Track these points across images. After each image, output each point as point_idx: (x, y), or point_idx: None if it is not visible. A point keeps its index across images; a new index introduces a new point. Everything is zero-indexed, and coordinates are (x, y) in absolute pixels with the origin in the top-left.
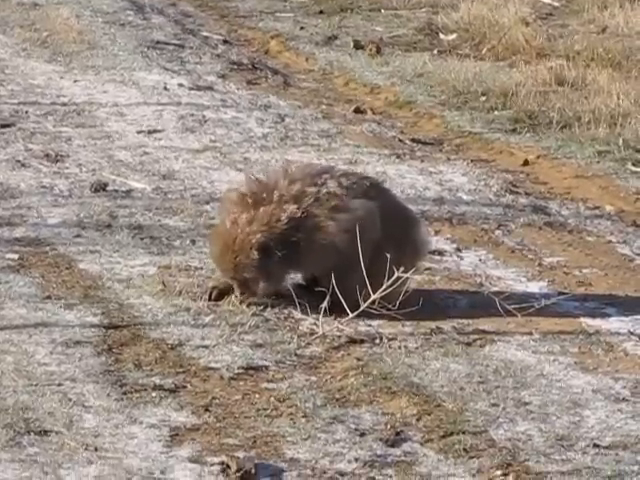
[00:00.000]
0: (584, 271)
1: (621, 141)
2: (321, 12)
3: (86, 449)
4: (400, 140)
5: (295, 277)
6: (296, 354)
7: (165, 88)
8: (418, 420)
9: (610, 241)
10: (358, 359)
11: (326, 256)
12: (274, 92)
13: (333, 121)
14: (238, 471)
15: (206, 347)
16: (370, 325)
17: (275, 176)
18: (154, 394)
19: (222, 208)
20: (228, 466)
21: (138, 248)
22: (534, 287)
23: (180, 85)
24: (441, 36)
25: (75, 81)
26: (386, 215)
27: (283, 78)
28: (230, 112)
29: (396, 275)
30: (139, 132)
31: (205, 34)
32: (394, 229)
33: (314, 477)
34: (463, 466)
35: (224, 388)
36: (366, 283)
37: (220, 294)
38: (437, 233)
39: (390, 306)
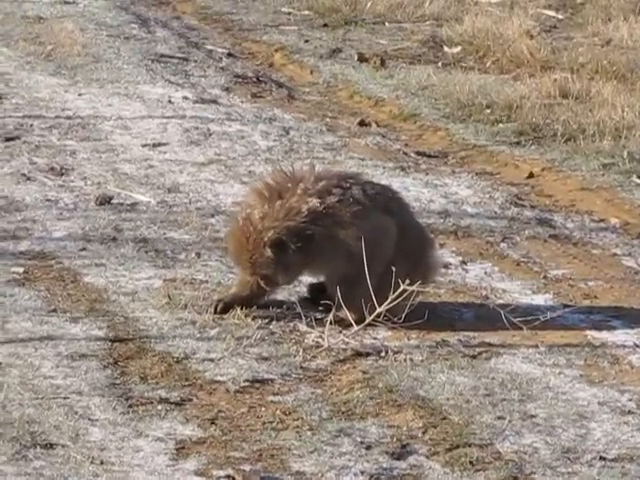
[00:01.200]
0: (589, 284)
1: (626, 153)
2: (325, 25)
3: (92, 462)
4: (405, 153)
5: (300, 290)
6: (302, 367)
7: (169, 101)
8: (424, 433)
9: (615, 254)
10: (364, 372)
11: (338, 257)
12: (279, 105)
13: (338, 134)
14: None
15: (212, 360)
16: (376, 338)
17: (302, 171)
18: (160, 407)
19: (242, 200)
20: (234, 479)
21: (143, 261)
22: (539, 300)
23: (185, 98)
24: (445, 49)
25: (80, 94)
26: (402, 232)
27: (287, 91)
28: (235, 125)
29: (402, 288)
30: (144, 145)
31: (209, 47)
32: (408, 247)
33: None
34: (469, 479)
35: (230, 401)
36: (372, 296)
37: (225, 307)
38: (442, 246)
39: (396, 319)
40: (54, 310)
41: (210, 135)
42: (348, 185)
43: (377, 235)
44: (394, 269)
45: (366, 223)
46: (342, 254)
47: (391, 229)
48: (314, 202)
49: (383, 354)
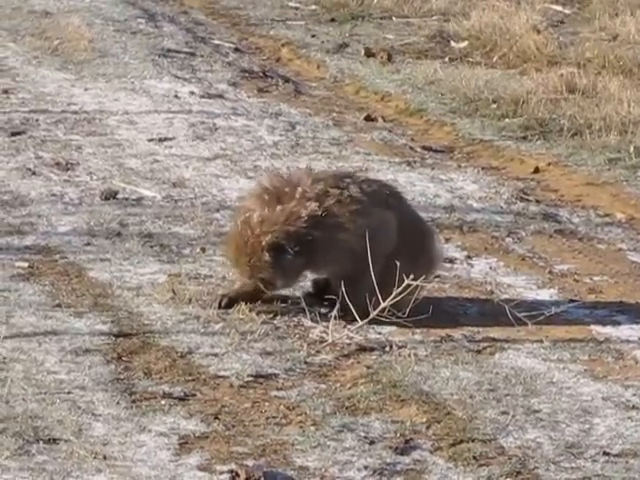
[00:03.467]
0: (595, 279)
1: (632, 148)
2: (332, 20)
3: (95, 457)
4: (411, 148)
5: (305, 285)
6: (306, 362)
7: (176, 96)
8: (428, 428)
9: (621, 249)
10: (368, 367)
11: (341, 257)
12: (285, 100)
13: (344, 129)
14: (247, 479)
15: (216, 355)
16: (380, 333)
17: (299, 174)
18: (163, 402)
19: (239, 206)
20: (237, 474)
21: (148, 256)
22: (544, 295)
23: (191, 93)
24: (452, 44)
25: (86, 89)
26: (403, 226)
27: (294, 86)
28: (241, 120)
29: (406, 282)
30: (150, 140)
31: (216, 42)
32: (410, 240)
33: None
34: (473, 474)
35: (233, 396)
36: (376, 291)
37: (230, 302)
38: (448, 241)
39: (400, 314)
40: (58, 305)
41: (216, 130)
42: (345, 185)
43: (377, 230)
44: (398, 263)
45: (365, 220)
46: (345, 254)
47: (391, 223)
48: (313, 206)
49: (387, 349)
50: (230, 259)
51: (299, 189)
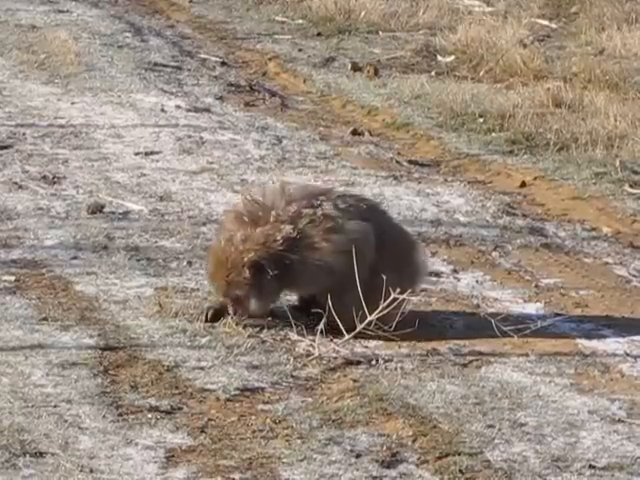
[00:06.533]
0: (581, 292)
1: (618, 163)
2: (319, 34)
3: (81, 471)
4: (397, 162)
5: (291, 298)
6: (292, 375)
7: (162, 110)
8: (414, 441)
9: (607, 263)
10: (354, 380)
11: (320, 277)
12: (272, 114)
13: (330, 143)
14: None
15: (202, 369)
16: (366, 346)
17: (272, 196)
18: (150, 416)
19: (220, 227)
20: None
21: (135, 270)
22: (531, 308)
23: (177, 107)
24: (439, 58)
25: (73, 103)
26: (383, 237)
27: (281, 100)
28: (227, 134)
29: (392, 296)
30: (136, 154)
31: (203, 56)
32: (392, 251)
33: None
34: None
35: (220, 410)
36: (362, 305)
37: (216, 316)
38: (434, 255)
39: (386, 327)
40: (45, 318)
41: (203, 144)
42: (318, 203)
43: (355, 244)
44: (384, 276)
45: (340, 237)
46: (323, 273)
47: (368, 234)
48: (287, 229)
49: (374, 363)
50: (209, 273)
51: (273, 212)
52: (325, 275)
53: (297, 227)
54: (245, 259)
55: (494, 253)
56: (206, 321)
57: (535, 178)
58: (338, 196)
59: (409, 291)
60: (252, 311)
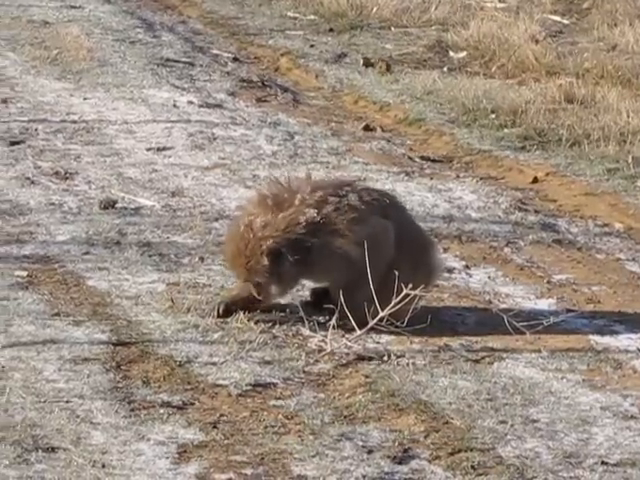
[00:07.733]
0: (593, 288)
1: (630, 158)
2: (331, 30)
3: (94, 466)
4: (409, 158)
5: (303, 294)
6: (304, 371)
7: (175, 105)
8: (426, 437)
9: (619, 259)
10: (366, 376)
11: (338, 265)
12: (283, 110)
13: (342, 139)
14: None
15: (214, 364)
16: (378, 342)
17: (298, 182)
18: (162, 411)
19: (241, 209)
20: None
21: (147, 265)
22: (543, 304)
23: (190, 102)
24: (451, 54)
25: (85, 98)
26: (402, 236)
27: (293, 96)
28: (239, 130)
29: (404, 292)
30: (148, 149)
31: (215, 52)
32: (409, 250)
33: None
34: None
35: (232, 405)
36: (375, 300)
37: (228, 311)
38: (446, 250)
39: (398, 323)
40: (57, 314)
41: (215, 139)
42: (344, 193)
43: (375, 239)
44: (397, 273)
45: (363, 229)
46: (342, 262)
47: (389, 232)
48: (311, 213)
49: (386, 358)
50: (228, 259)
51: (298, 196)
52: (343, 264)
53: (321, 212)
54: (264, 247)
55: (506, 249)
56: (218, 316)
57: (547, 174)
58: (363, 189)
59: (421, 287)
60: (273, 295)
